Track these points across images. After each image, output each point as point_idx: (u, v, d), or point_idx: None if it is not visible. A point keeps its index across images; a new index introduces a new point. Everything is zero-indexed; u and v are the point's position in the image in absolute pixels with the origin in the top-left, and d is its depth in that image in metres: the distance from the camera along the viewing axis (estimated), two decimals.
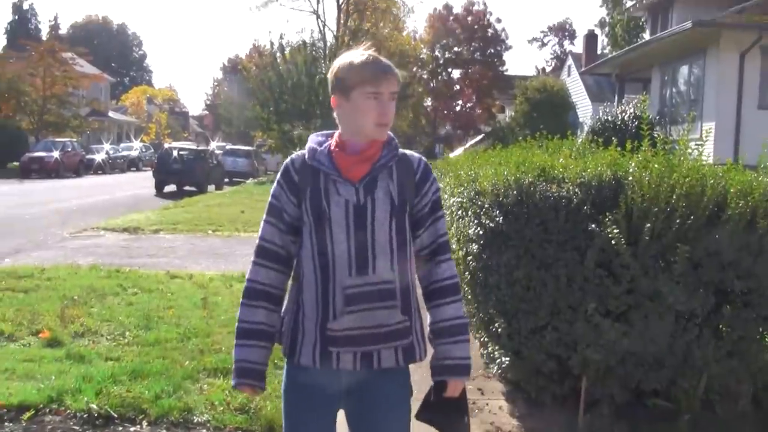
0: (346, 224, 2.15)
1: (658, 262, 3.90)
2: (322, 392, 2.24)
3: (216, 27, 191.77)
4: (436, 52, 58.65)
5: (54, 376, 4.69)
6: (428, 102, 58.00)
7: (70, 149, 34.50)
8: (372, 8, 44.52)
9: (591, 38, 34.43)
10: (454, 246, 5.51)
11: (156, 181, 25.25)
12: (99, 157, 38.89)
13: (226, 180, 31.11)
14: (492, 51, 59.68)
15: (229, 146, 43.61)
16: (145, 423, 4.13)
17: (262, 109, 31.58)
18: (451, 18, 59.20)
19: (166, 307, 6.71)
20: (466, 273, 4.96)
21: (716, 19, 16.65)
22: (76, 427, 4.06)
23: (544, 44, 75.78)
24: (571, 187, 4.13)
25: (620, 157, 4.53)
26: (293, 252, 2.28)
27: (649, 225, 3.87)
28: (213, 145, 45.37)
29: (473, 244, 4.58)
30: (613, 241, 3.86)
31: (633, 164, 4.23)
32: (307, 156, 2.24)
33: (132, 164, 43.72)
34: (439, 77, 59.16)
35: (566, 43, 71.99)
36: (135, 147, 47.91)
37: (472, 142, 41.12)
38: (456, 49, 59.02)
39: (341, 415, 2.32)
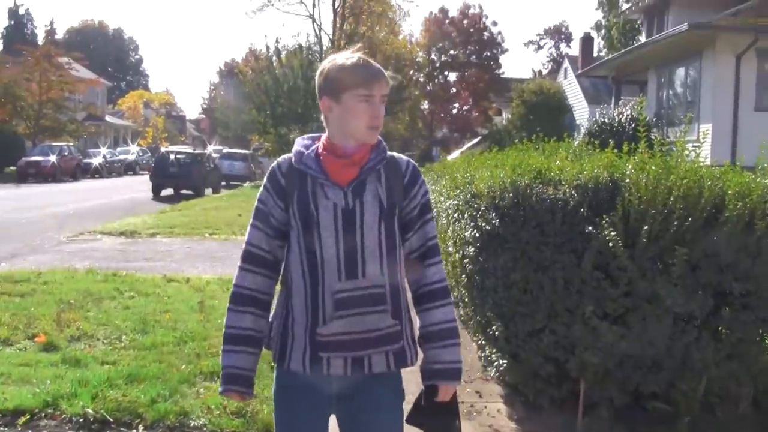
0: (334, 228, 2.12)
1: (655, 264, 3.88)
2: (313, 397, 2.22)
3: (212, 31, 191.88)
4: (432, 56, 58.66)
5: (50, 380, 4.67)
6: (425, 105, 58.04)
7: (66, 153, 34.47)
8: (368, 12, 44.50)
9: (587, 41, 34.52)
10: (450, 249, 5.50)
11: (153, 185, 25.22)
12: (96, 161, 38.92)
13: (223, 183, 31.12)
14: (488, 54, 59.72)
15: (226, 150, 43.64)
16: (141, 427, 4.10)
17: (259, 112, 31.62)
18: (447, 21, 59.24)
19: (162, 311, 6.69)
20: (463, 276, 4.94)
21: (712, 21, 16.67)
22: None
23: (540, 47, 76.06)
24: (567, 190, 4.12)
25: (617, 159, 4.53)
26: (280, 257, 2.26)
27: (646, 227, 3.86)
28: (210, 148, 45.42)
29: (470, 247, 4.57)
30: (610, 244, 3.85)
31: (630, 166, 4.22)
32: (293, 159, 2.22)
33: (129, 168, 43.72)
34: (436, 80, 59.17)
35: (562, 45, 72.21)
36: (132, 151, 47.95)
37: (469, 144, 41.18)
38: (452, 52, 59.04)
39: (333, 420, 2.30)
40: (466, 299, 5.08)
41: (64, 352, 5.35)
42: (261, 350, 2.30)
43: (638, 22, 30.14)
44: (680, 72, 18.56)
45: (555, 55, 70.65)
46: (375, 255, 2.14)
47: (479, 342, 5.04)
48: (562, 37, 73.31)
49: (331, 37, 40.91)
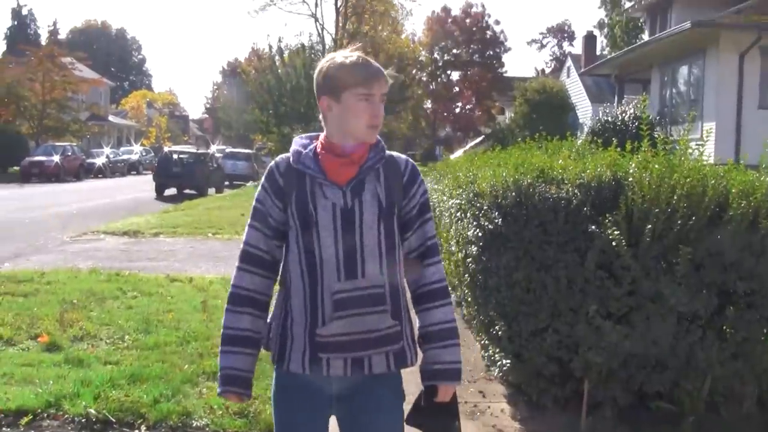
0: (333, 228, 2.11)
1: (659, 263, 3.87)
2: (313, 398, 2.20)
3: (215, 31, 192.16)
4: (435, 55, 58.72)
5: (52, 380, 4.67)
6: (428, 104, 58.09)
7: (70, 153, 34.49)
8: (370, 11, 44.51)
9: (590, 39, 34.50)
10: (453, 248, 5.49)
11: (156, 185, 25.24)
12: (99, 161, 38.93)
13: (226, 183, 31.12)
14: (491, 53, 59.77)
15: (229, 149, 43.61)
16: (143, 427, 4.10)
17: (262, 112, 31.57)
18: (450, 20, 59.30)
19: (165, 311, 6.69)
20: (466, 275, 4.93)
21: (715, 19, 16.64)
22: None
23: (543, 46, 75.95)
24: (570, 188, 4.10)
25: (620, 157, 4.51)
26: (279, 257, 2.24)
27: (649, 226, 3.84)
28: (213, 148, 45.37)
29: (472, 246, 4.55)
30: (613, 243, 3.83)
31: (633, 165, 4.21)
32: (292, 159, 2.20)
33: (132, 168, 43.76)
34: (439, 79, 59.23)
35: (565, 44, 72.21)
36: (135, 151, 47.95)
37: (472, 144, 41.11)
38: (455, 51, 59.11)
39: (333, 421, 2.29)
40: (469, 299, 5.06)
41: (66, 352, 5.34)
42: (259, 351, 2.28)
43: (641, 21, 30.09)
44: (683, 70, 18.53)
45: (558, 53, 70.63)
46: (374, 255, 2.12)
47: (482, 341, 5.03)
48: (565, 35, 73.33)
49: (333, 36, 40.91)
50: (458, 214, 5.34)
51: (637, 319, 3.87)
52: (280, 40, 51.69)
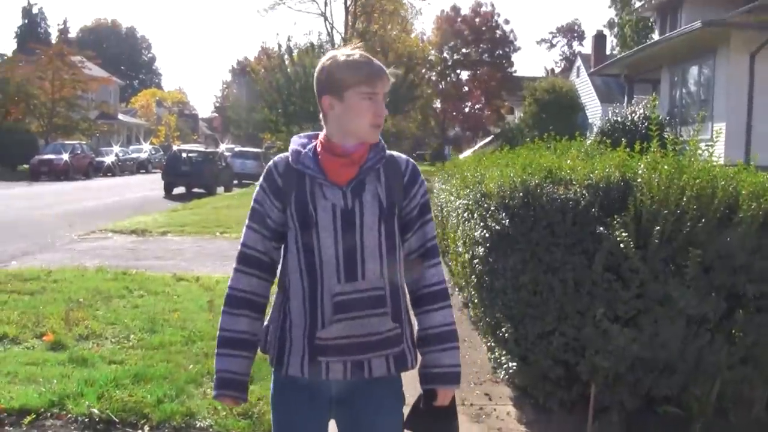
0: (333, 229, 2.07)
1: (668, 265, 3.82)
2: (312, 401, 2.17)
3: (224, 29, 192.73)
4: (444, 54, 58.66)
5: (56, 379, 4.66)
6: (437, 104, 58.05)
7: (79, 152, 34.64)
8: (379, 10, 44.55)
9: (600, 39, 34.38)
10: (460, 249, 5.45)
11: (165, 183, 25.29)
12: (108, 160, 39.06)
13: (235, 182, 31.15)
14: (500, 52, 59.66)
15: (238, 148, 43.67)
16: (147, 428, 4.08)
17: (271, 111, 31.63)
18: (459, 19, 59.22)
19: (171, 310, 6.68)
20: (473, 276, 4.89)
21: (725, 19, 16.53)
22: None
23: (552, 45, 75.88)
24: (578, 189, 4.06)
25: (629, 158, 4.46)
26: (276, 258, 2.21)
27: (658, 228, 3.80)
28: (222, 147, 45.50)
29: (479, 247, 4.52)
30: (621, 245, 3.79)
31: (642, 166, 4.16)
32: (291, 159, 2.17)
33: (141, 166, 43.89)
34: (448, 79, 59.17)
35: (575, 44, 72.09)
36: (144, 149, 48.08)
37: (482, 143, 41.09)
38: (464, 50, 59.03)
39: (332, 423, 2.26)
40: (476, 300, 5.02)
41: (71, 351, 5.33)
42: (256, 354, 2.26)
43: (651, 20, 29.97)
44: (693, 70, 18.42)
45: (567, 53, 70.52)
46: (375, 256, 2.09)
47: (489, 344, 4.99)
48: (575, 35, 73.18)
49: (343, 35, 40.96)
50: (465, 214, 5.31)
51: (645, 323, 3.83)
52: (289, 39, 51.85)
